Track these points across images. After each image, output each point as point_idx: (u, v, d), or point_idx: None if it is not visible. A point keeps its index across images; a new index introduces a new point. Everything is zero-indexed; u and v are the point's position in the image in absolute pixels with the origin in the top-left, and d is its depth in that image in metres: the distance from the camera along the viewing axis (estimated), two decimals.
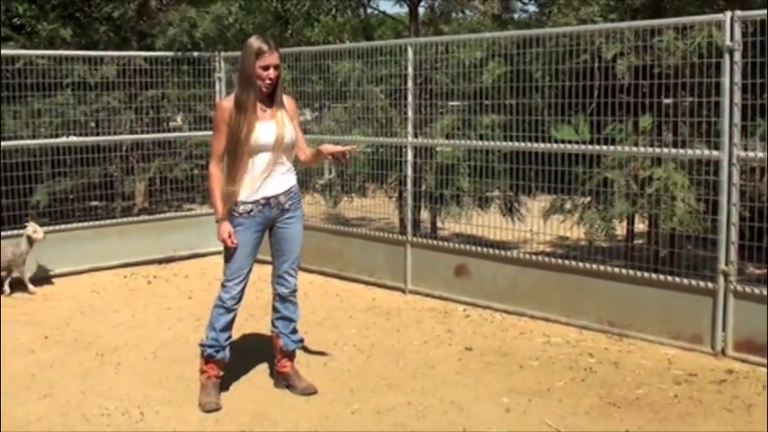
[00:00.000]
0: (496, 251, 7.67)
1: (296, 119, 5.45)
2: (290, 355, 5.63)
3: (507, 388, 5.63)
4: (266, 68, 5.11)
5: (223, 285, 5.31)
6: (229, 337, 5.38)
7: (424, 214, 9.20)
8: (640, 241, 8.24)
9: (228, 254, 5.27)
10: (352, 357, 6.29)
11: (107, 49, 10.61)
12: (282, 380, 5.60)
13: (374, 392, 5.55)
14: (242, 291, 5.31)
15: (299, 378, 5.59)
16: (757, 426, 5.02)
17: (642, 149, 7.07)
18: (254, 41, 5.17)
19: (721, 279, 6.26)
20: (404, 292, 8.26)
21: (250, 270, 5.34)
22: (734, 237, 6.22)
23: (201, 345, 5.40)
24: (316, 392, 5.47)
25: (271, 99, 5.24)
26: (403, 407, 5.28)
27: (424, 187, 8.57)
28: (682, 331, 6.46)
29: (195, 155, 10.14)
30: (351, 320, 7.34)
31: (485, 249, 7.72)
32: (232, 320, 5.36)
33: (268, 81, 5.13)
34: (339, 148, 5.38)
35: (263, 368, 5.96)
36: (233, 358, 5.50)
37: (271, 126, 5.19)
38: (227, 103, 5.23)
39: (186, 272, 9.27)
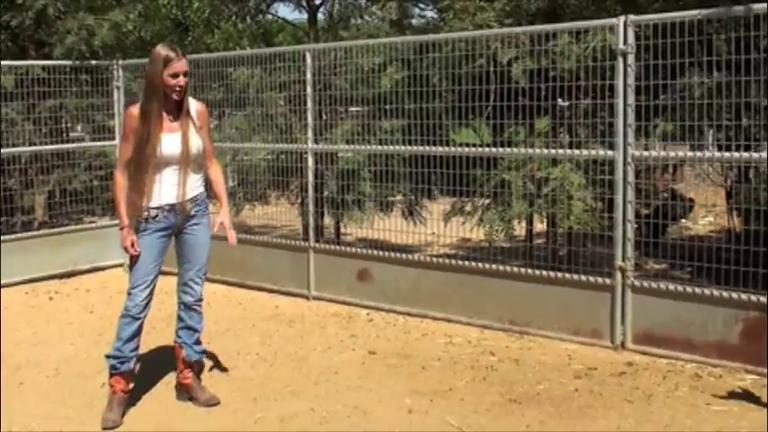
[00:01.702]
0: (398, 255, 7.71)
1: (206, 127, 5.37)
2: (193, 366, 5.57)
3: (410, 389, 5.67)
4: (175, 76, 5.04)
5: (129, 293, 5.22)
6: (135, 348, 5.28)
7: (328, 220, 9.18)
8: (540, 241, 8.36)
9: (132, 261, 5.21)
10: (254, 366, 6.26)
11: (5, 58, 10.33)
12: (185, 392, 5.53)
13: (277, 400, 5.52)
14: (147, 298, 5.20)
15: (202, 389, 5.53)
16: (657, 415, 5.16)
17: (538, 151, 7.19)
18: (161, 49, 5.09)
19: (618, 275, 6.42)
20: (307, 298, 8.25)
21: (156, 277, 5.25)
22: (630, 233, 6.37)
23: (106, 356, 5.31)
24: (218, 403, 5.43)
25: (179, 109, 5.17)
26: (306, 413, 5.27)
27: (326, 193, 8.56)
28: (581, 327, 6.59)
29: (95, 165, 9.94)
30: (253, 329, 7.29)
31: (386, 253, 7.77)
32: (138, 330, 5.24)
33: (177, 88, 5.06)
34: (229, 231, 5.38)
35: (166, 381, 5.87)
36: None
37: (176, 138, 5.12)
38: (135, 110, 5.15)
39: (87, 286, 9.09)
